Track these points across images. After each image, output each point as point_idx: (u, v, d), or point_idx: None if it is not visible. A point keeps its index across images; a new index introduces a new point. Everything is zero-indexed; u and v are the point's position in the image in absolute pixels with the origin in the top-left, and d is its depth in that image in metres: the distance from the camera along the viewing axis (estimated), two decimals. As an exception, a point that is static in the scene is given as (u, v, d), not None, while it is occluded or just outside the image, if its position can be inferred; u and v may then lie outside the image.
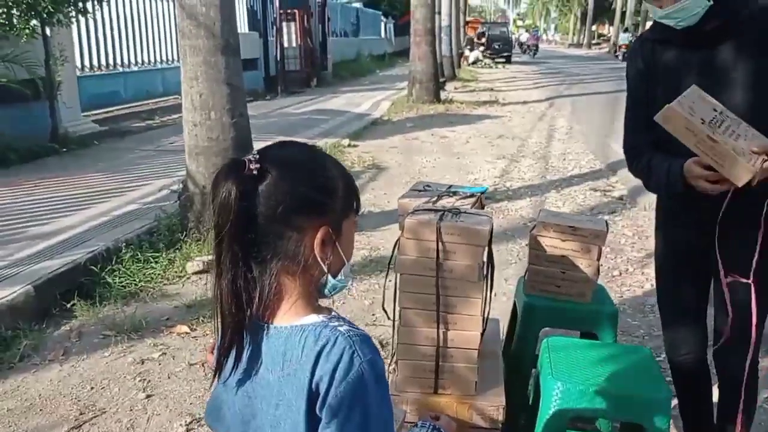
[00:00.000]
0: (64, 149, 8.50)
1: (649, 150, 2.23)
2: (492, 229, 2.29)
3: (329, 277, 1.19)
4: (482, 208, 2.60)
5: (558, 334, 2.84)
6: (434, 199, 2.49)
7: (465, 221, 2.23)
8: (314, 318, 1.16)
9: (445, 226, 2.19)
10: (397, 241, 2.33)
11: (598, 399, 2.11)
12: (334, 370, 1.08)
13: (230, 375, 1.21)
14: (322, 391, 1.09)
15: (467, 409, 2.33)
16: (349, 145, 9.52)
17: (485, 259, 2.31)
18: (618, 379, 2.20)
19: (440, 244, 2.20)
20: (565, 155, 9.09)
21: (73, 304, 4.07)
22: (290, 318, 1.16)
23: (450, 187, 2.66)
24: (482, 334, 2.37)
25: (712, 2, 2.00)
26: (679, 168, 2.06)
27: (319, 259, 1.15)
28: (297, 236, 1.14)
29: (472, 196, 2.54)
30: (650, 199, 2.44)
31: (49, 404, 3.14)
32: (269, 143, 1.22)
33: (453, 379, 2.34)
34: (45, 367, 3.47)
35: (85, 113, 10.34)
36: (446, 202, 2.47)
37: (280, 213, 1.12)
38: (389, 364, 2.54)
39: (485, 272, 2.35)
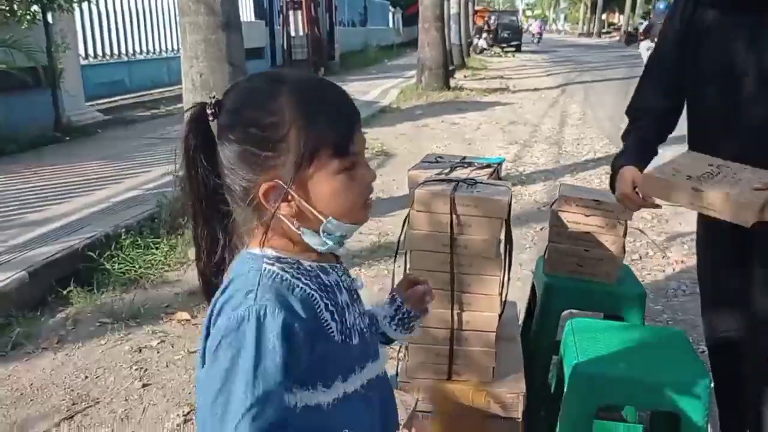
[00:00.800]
0: (68, 138, 8.34)
1: (648, 120, 2.11)
2: (511, 201, 2.09)
3: (305, 232, 1.03)
4: (499, 179, 2.40)
5: (581, 316, 2.64)
6: (447, 170, 2.29)
7: (481, 192, 2.03)
8: (259, 250, 1.02)
9: (460, 197, 1.99)
10: (406, 216, 2.14)
11: (629, 386, 1.92)
12: (225, 301, 0.95)
13: None
14: (212, 321, 0.96)
15: (484, 397, 2.14)
16: (357, 132, 9.33)
17: (503, 235, 2.12)
18: (650, 363, 2.00)
19: (454, 216, 2.01)
20: (579, 140, 8.86)
21: (70, 291, 3.90)
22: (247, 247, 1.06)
23: (464, 158, 2.46)
24: (500, 316, 2.18)
25: None
26: (618, 167, 2.03)
27: (270, 211, 1.00)
28: (249, 185, 1.00)
29: (488, 166, 2.34)
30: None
31: (40, 394, 2.98)
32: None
33: (468, 365, 2.16)
34: (38, 355, 3.31)
35: (89, 102, 10.19)
36: (460, 173, 2.27)
37: (228, 162, 1.00)
38: (399, 350, 2.35)
39: (503, 249, 2.16)
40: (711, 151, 1.90)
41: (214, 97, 1.02)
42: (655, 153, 2.13)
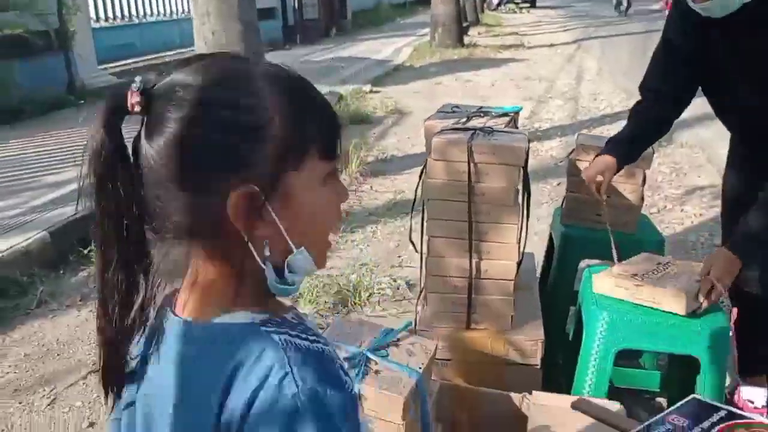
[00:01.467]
0: (81, 101, 8.35)
1: (649, 105, 2.23)
2: (528, 148, 2.08)
3: (267, 270, 0.74)
4: (516, 128, 2.38)
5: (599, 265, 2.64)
6: (464, 119, 2.28)
7: (499, 139, 2.02)
8: (241, 317, 0.75)
9: (477, 145, 1.98)
10: (423, 165, 2.14)
11: (649, 330, 1.92)
12: (252, 400, 0.69)
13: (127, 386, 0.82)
14: (234, 427, 0.70)
15: (503, 345, 2.16)
16: (370, 91, 9.26)
17: (521, 184, 2.11)
18: (669, 309, 2.00)
19: (472, 165, 2.00)
20: (596, 95, 8.74)
21: (90, 251, 3.95)
22: (208, 312, 0.76)
23: (481, 107, 2.44)
24: (518, 266, 2.19)
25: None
26: (602, 151, 2.23)
27: (244, 236, 0.73)
28: (202, 201, 0.72)
29: (505, 115, 2.32)
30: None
31: (66, 349, 3.04)
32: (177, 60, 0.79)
33: (487, 313, 2.17)
34: (62, 312, 3.38)
35: (101, 66, 10.17)
36: (477, 122, 2.26)
37: (173, 170, 0.71)
38: (417, 299, 2.37)
39: (523, 199, 2.15)
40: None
41: (139, 83, 0.72)
42: (641, 144, 2.29)
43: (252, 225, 0.72)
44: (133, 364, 0.81)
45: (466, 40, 14.78)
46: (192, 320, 0.77)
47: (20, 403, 2.66)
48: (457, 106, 2.46)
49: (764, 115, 2.01)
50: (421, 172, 2.13)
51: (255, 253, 0.73)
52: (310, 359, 0.71)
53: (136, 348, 0.81)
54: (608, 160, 2.19)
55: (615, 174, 2.22)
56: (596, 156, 2.25)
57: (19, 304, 3.40)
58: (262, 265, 0.74)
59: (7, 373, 2.87)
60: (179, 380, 0.76)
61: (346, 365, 0.78)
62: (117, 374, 0.80)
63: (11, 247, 3.68)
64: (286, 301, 0.81)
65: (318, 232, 0.80)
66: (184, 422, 0.74)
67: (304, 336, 0.74)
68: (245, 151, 0.71)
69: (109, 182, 0.73)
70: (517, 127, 2.41)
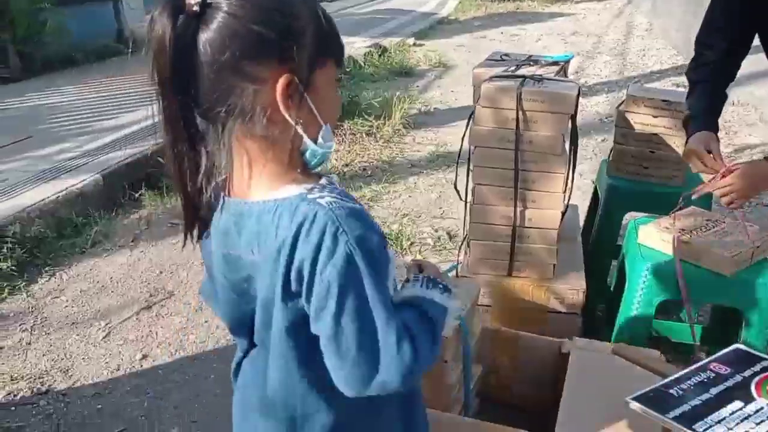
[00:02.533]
0: (129, 50, 8.46)
1: (707, 67, 2.10)
2: (579, 95, 2.07)
3: (306, 140, 0.95)
4: (566, 77, 2.36)
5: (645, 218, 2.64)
6: (513, 68, 2.27)
7: (548, 87, 2.02)
8: (292, 190, 0.95)
9: (527, 92, 1.98)
10: (471, 114, 2.14)
11: (692, 281, 1.93)
12: (317, 252, 0.90)
13: (210, 254, 1.07)
14: (305, 277, 0.91)
15: (544, 293, 2.19)
16: (414, 44, 9.17)
17: (569, 133, 2.11)
18: (714, 260, 2.00)
19: (520, 112, 2.00)
20: (645, 51, 8.52)
21: (141, 194, 4.08)
22: (263, 191, 0.97)
23: (530, 56, 2.42)
24: (563, 216, 2.20)
25: None
26: (694, 129, 2.06)
27: (286, 115, 0.92)
28: (253, 87, 0.91)
29: (555, 63, 2.30)
30: (738, 94, 2.24)
31: (120, 286, 3.17)
32: None
33: (530, 261, 2.20)
34: (116, 252, 3.51)
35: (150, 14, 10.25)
36: (526, 71, 2.25)
37: (228, 59, 0.88)
38: (460, 246, 2.41)
39: (570, 149, 2.15)
40: None
41: None
42: (722, 106, 2.16)
43: (293, 107, 0.93)
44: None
45: (513, -7, 14.45)
46: (252, 200, 0.97)
47: (78, 335, 2.80)
48: (506, 54, 2.45)
49: None
50: (468, 120, 2.13)
51: (300, 130, 0.94)
52: (351, 214, 0.92)
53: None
54: (708, 135, 2.05)
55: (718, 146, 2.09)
56: (688, 137, 2.11)
57: (75, 243, 3.54)
58: (307, 140, 0.95)
59: (65, 307, 3.01)
60: (258, 240, 0.96)
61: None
62: (195, 220, 1.02)
63: (66, 189, 3.81)
64: (318, 173, 1.01)
65: (331, 117, 1.00)
66: (268, 268, 0.95)
67: (341, 198, 0.94)
68: (289, 48, 0.91)
69: (172, 71, 0.89)
70: (567, 77, 2.39)
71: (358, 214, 0.93)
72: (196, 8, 0.88)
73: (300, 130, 0.94)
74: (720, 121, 2.09)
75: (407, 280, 1.12)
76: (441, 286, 1.10)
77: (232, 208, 1.00)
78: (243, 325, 1.09)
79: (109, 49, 8.11)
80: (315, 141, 0.96)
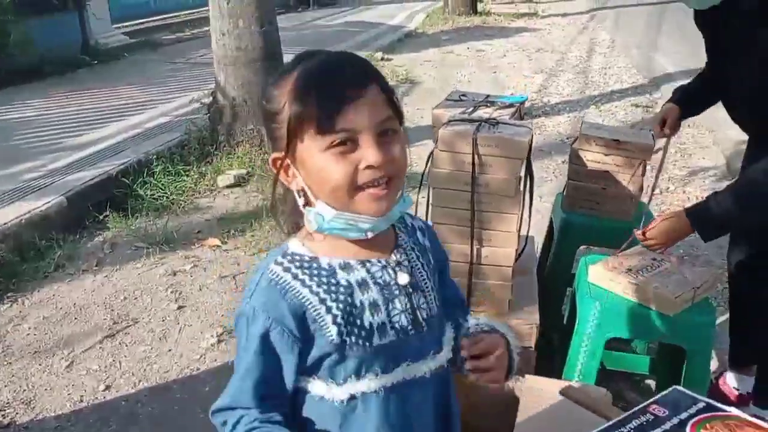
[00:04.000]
0: (95, 61, 8.41)
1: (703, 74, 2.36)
2: (532, 140, 2.16)
3: (309, 211, 1.06)
4: (522, 118, 2.46)
5: (596, 252, 2.74)
6: (470, 109, 2.35)
7: (503, 132, 2.10)
8: (294, 241, 1.10)
9: (482, 138, 2.06)
10: (430, 154, 2.21)
11: (639, 321, 2.03)
12: (244, 292, 1.09)
13: None
14: None
15: (500, 327, 2.26)
16: (382, 59, 9.24)
17: (523, 173, 2.19)
18: (659, 299, 2.10)
19: (476, 156, 2.08)
20: (606, 69, 8.70)
21: (106, 216, 4.08)
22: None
23: (487, 96, 2.51)
24: (518, 252, 2.28)
25: None
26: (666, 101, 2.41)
27: (288, 185, 1.08)
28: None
29: (511, 106, 2.39)
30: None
31: (83, 313, 3.18)
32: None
33: (486, 297, 2.27)
34: (79, 276, 3.51)
35: (116, 25, 10.18)
36: (483, 112, 2.33)
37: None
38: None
39: (523, 187, 2.24)
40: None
41: None
42: (704, 95, 2.37)
43: (290, 179, 1.06)
44: None
45: (480, 7, 14.63)
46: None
47: (39, 364, 2.81)
48: (464, 94, 2.53)
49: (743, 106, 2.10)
50: (427, 160, 2.21)
51: (297, 199, 1.06)
52: (269, 291, 1.05)
53: None
54: (670, 108, 2.38)
55: (679, 120, 2.39)
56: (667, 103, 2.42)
57: (38, 267, 3.53)
58: (302, 209, 1.06)
59: (27, 335, 3.01)
60: None
61: None
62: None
63: (30, 211, 3.80)
64: (381, 251, 1.11)
65: (327, 188, 1.01)
66: None
67: (297, 274, 1.05)
68: (271, 129, 1.04)
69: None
70: (522, 118, 2.48)
71: (275, 298, 1.03)
72: None
73: (298, 199, 1.06)
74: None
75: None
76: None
77: None
78: None
79: (74, 61, 8.06)
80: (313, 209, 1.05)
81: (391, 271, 1.09)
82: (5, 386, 2.67)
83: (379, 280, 1.08)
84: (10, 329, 3.05)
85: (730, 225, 2.00)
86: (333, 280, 1.05)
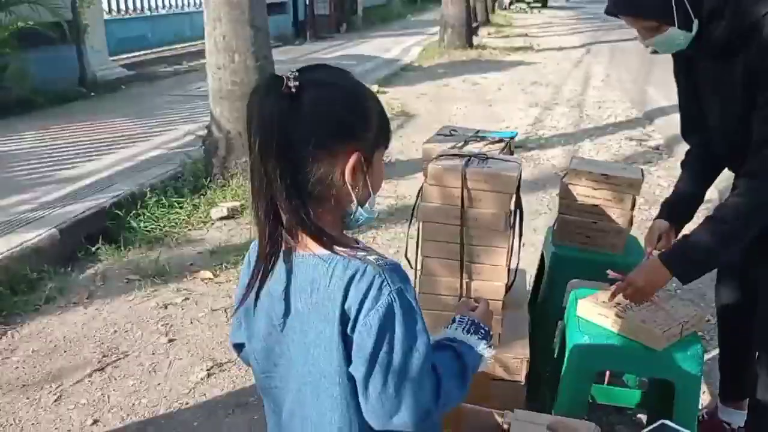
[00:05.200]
0: (92, 93, 8.47)
1: (692, 154, 2.30)
2: (521, 175, 2.17)
3: (358, 207, 1.17)
4: (511, 153, 2.48)
5: (587, 285, 2.74)
6: (460, 144, 2.38)
7: (492, 167, 2.12)
8: (342, 247, 1.14)
9: (471, 173, 2.08)
10: (420, 188, 2.23)
11: (627, 355, 2.03)
12: (364, 298, 1.09)
13: (255, 302, 1.21)
14: (351, 317, 1.11)
15: (490, 361, 2.25)
16: (378, 92, 9.32)
17: (513, 208, 2.20)
18: (648, 334, 2.10)
19: (465, 191, 2.09)
20: (601, 103, 8.81)
21: (98, 248, 4.07)
22: (317, 247, 1.14)
23: (478, 131, 2.53)
24: (508, 286, 2.28)
25: (694, 32, 1.85)
26: (657, 215, 2.29)
27: (349, 186, 1.13)
28: (330, 160, 1.11)
29: (500, 141, 2.42)
30: (685, 145, 2.37)
31: (73, 346, 3.16)
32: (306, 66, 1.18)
33: (476, 331, 2.27)
34: (70, 309, 3.49)
35: (113, 57, 10.29)
36: (473, 147, 2.36)
37: (315, 134, 1.09)
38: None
39: (513, 221, 2.25)
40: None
41: (293, 73, 1.10)
42: (697, 197, 2.31)
43: (355, 179, 1.13)
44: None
45: (476, 40, 14.85)
46: (308, 253, 1.14)
47: (27, 398, 2.78)
48: (455, 129, 2.56)
49: (723, 143, 2.10)
50: (418, 194, 2.22)
51: (354, 197, 1.14)
52: (393, 270, 1.11)
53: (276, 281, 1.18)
54: (660, 224, 2.26)
55: (674, 236, 2.25)
56: (654, 220, 2.32)
57: (28, 300, 3.52)
58: (357, 205, 1.16)
59: (16, 368, 2.98)
60: (311, 287, 1.14)
61: None
62: (269, 264, 1.17)
63: (22, 244, 3.79)
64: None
65: (377, 186, 1.20)
66: (318, 312, 1.13)
67: (380, 256, 1.13)
68: (362, 132, 1.13)
69: (269, 140, 1.07)
70: (512, 153, 2.50)
71: (398, 270, 1.12)
72: (293, 89, 1.07)
73: (354, 197, 1.14)
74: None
75: (453, 320, 1.32)
76: (483, 331, 1.30)
77: (293, 259, 1.17)
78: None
79: (71, 93, 8.12)
80: (362, 206, 1.17)
81: None
82: (-9, 421, 2.64)
83: None
84: (-1, 362, 3.03)
85: (707, 264, 1.98)
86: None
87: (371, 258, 1.11)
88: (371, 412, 1.13)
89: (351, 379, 1.14)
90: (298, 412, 1.22)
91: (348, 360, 1.13)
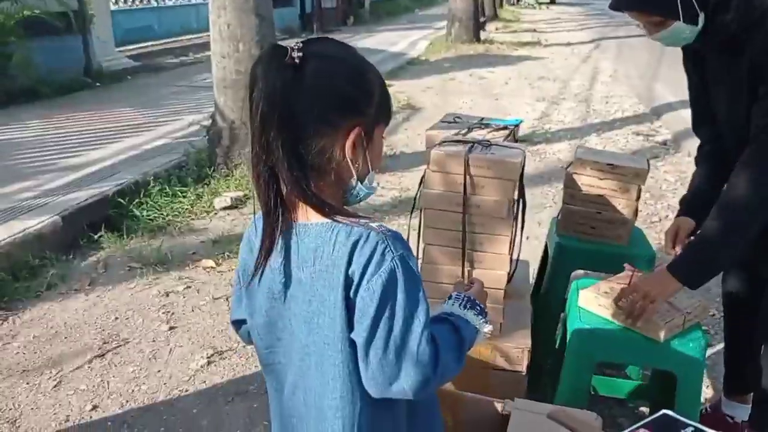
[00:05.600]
0: (98, 84, 8.48)
1: (705, 150, 2.26)
2: (524, 162, 2.15)
3: (358, 182, 1.16)
4: (516, 141, 2.45)
5: (589, 276, 2.71)
6: (464, 131, 2.34)
7: (495, 153, 2.09)
8: (343, 216, 1.14)
9: (474, 159, 2.05)
10: (423, 175, 2.20)
11: (628, 345, 2.00)
12: (367, 263, 1.09)
13: (258, 278, 1.20)
14: (354, 282, 1.11)
15: (490, 351, 2.23)
16: (383, 85, 9.31)
17: (516, 196, 2.18)
18: (651, 324, 2.07)
19: (468, 177, 2.07)
20: (608, 98, 8.75)
21: (101, 236, 4.07)
22: (319, 216, 1.14)
23: (482, 119, 2.50)
24: (510, 275, 2.26)
25: (700, 26, 1.81)
26: (678, 213, 2.25)
27: (349, 161, 1.13)
28: (331, 133, 1.11)
29: (505, 128, 2.38)
30: (695, 144, 2.32)
31: (74, 332, 3.15)
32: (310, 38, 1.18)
33: (477, 320, 2.24)
34: (71, 296, 3.48)
35: (119, 48, 10.28)
36: (477, 134, 2.32)
37: (317, 106, 1.09)
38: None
39: (516, 210, 2.22)
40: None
41: (298, 44, 1.10)
42: (713, 184, 2.20)
43: (355, 153, 1.13)
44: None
45: (483, 35, 14.79)
46: (311, 222, 1.14)
47: (27, 383, 2.77)
48: (459, 117, 2.52)
49: (732, 137, 2.05)
50: (420, 181, 2.20)
51: (354, 171, 1.14)
52: (396, 237, 1.12)
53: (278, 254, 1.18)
54: (684, 222, 2.21)
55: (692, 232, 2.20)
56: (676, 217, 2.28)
57: (29, 287, 3.51)
58: (357, 181, 1.16)
59: (17, 353, 2.98)
60: (315, 255, 1.14)
61: None
62: (274, 237, 1.16)
63: (24, 230, 3.79)
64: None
65: (376, 166, 1.20)
66: (323, 279, 1.13)
67: (382, 224, 1.14)
68: (364, 107, 1.13)
69: (271, 110, 1.07)
70: (516, 140, 2.47)
71: (401, 238, 1.13)
72: (297, 60, 1.07)
73: (354, 172, 1.14)
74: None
75: (450, 297, 1.32)
76: (479, 308, 1.30)
77: (294, 229, 1.17)
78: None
79: (76, 83, 8.12)
80: (362, 182, 1.17)
81: None
82: (-9, 405, 2.64)
83: None
84: (0, 348, 3.02)
85: (713, 263, 1.94)
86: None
87: (374, 225, 1.12)
88: (371, 379, 1.12)
89: (352, 345, 1.13)
90: (301, 384, 1.22)
91: (350, 326, 1.13)
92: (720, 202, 1.90)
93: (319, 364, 1.17)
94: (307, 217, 1.15)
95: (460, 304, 1.30)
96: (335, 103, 1.11)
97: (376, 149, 1.20)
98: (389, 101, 1.20)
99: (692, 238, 1.98)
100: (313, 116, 1.09)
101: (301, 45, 1.09)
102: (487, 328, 1.29)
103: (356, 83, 1.13)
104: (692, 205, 2.25)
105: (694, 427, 1.55)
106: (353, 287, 1.11)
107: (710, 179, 2.24)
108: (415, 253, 2.22)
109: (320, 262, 1.13)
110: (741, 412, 2.42)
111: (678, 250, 2.12)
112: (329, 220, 1.13)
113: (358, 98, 1.13)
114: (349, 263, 1.10)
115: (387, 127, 1.22)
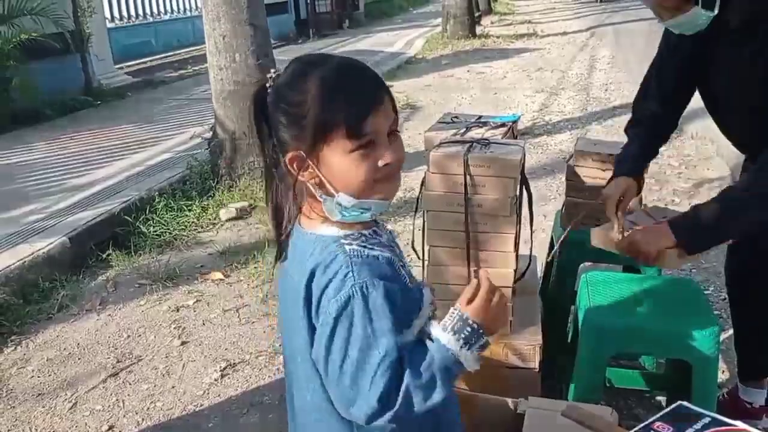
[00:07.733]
0: (99, 102, 8.50)
1: (648, 126, 2.21)
2: (524, 158, 2.14)
3: (335, 203, 1.14)
4: (515, 137, 2.44)
5: (598, 268, 2.70)
6: (462, 130, 2.34)
7: (494, 152, 2.09)
8: (333, 231, 1.16)
9: (473, 158, 2.05)
10: (422, 180, 2.20)
11: (641, 336, 1.99)
12: (326, 286, 1.10)
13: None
14: (314, 301, 1.12)
15: (502, 349, 2.23)
16: (382, 86, 9.30)
17: (517, 193, 2.17)
18: (661, 314, 2.06)
19: (468, 177, 2.06)
20: (608, 85, 8.72)
21: (109, 255, 4.08)
22: (313, 225, 1.19)
23: (479, 117, 2.50)
24: (521, 273, 2.26)
25: (716, 12, 1.79)
26: (616, 173, 2.14)
27: (308, 184, 1.16)
28: (281, 153, 1.15)
29: (503, 125, 2.38)
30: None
31: (87, 353, 3.16)
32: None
33: (486, 319, 2.24)
34: (83, 316, 3.50)
35: (118, 65, 10.32)
36: (475, 133, 2.32)
37: (272, 128, 1.14)
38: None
39: (520, 206, 2.22)
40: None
41: (276, 71, 1.16)
42: (651, 158, 2.25)
43: (301, 174, 1.13)
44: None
45: (479, 30, 14.76)
46: (306, 231, 1.19)
47: (43, 407, 2.78)
48: (456, 116, 2.52)
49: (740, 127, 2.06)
50: (422, 184, 2.20)
51: (312, 190, 1.15)
52: (366, 263, 1.10)
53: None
54: (626, 181, 2.11)
55: (637, 193, 2.18)
56: (610, 179, 2.18)
57: (41, 309, 3.53)
58: (319, 199, 1.15)
59: (31, 377, 2.99)
60: (294, 268, 1.19)
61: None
62: (281, 254, 1.24)
63: (33, 253, 3.81)
64: (371, 221, 1.21)
65: (353, 184, 1.11)
66: (292, 288, 1.17)
67: (370, 246, 1.14)
68: (295, 131, 1.11)
69: (258, 128, 1.18)
70: (516, 136, 2.47)
71: (371, 265, 1.11)
72: (268, 84, 1.15)
73: (316, 193, 1.15)
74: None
75: (450, 312, 1.18)
76: (467, 331, 1.14)
77: (295, 234, 1.22)
78: None
79: (77, 102, 8.15)
80: (333, 199, 1.13)
81: (388, 233, 1.27)
82: (8, 431, 2.65)
83: (392, 239, 1.26)
84: (14, 372, 3.03)
85: (714, 234, 1.91)
86: (382, 241, 1.20)
87: (348, 247, 1.12)
88: (334, 399, 1.15)
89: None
90: (295, 384, 1.27)
91: (312, 343, 1.15)
92: (754, 173, 1.86)
93: (296, 369, 1.22)
94: (304, 222, 1.21)
95: (451, 329, 1.14)
96: (282, 123, 1.14)
97: (336, 168, 1.11)
98: (335, 110, 1.08)
99: (695, 204, 1.92)
100: (274, 138, 1.16)
101: (278, 71, 1.17)
102: (472, 360, 1.14)
103: (286, 106, 1.12)
104: (634, 162, 2.17)
105: (711, 417, 1.55)
106: (314, 304, 1.12)
107: (644, 151, 2.21)
108: (420, 255, 2.25)
109: (300, 269, 1.16)
110: (758, 396, 2.40)
111: (620, 216, 2.04)
112: (318, 233, 1.17)
113: (289, 120, 1.12)
114: (310, 280, 1.12)
115: (352, 136, 1.08)
